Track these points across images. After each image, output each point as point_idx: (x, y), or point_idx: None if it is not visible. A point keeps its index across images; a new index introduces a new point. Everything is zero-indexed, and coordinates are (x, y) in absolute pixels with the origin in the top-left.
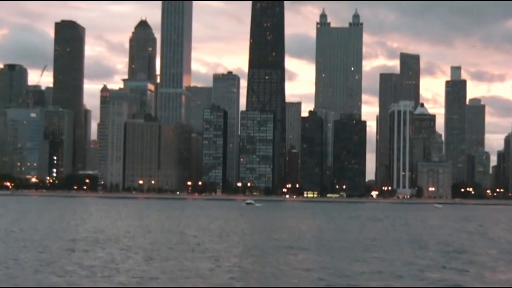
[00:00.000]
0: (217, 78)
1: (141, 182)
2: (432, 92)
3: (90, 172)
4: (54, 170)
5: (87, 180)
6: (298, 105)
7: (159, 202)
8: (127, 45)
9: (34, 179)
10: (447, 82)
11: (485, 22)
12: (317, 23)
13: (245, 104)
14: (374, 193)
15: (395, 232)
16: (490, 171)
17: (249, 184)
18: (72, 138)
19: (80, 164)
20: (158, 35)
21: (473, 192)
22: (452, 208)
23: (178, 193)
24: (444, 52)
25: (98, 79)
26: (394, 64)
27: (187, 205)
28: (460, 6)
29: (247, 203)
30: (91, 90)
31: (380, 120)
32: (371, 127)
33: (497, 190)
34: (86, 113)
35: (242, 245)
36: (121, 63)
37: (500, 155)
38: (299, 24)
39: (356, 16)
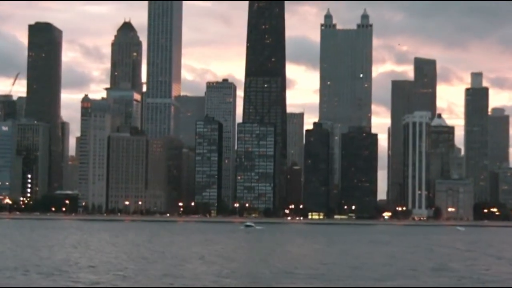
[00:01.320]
0: (211, 86)
1: (126, 203)
2: (447, 101)
3: (69, 192)
4: (28, 190)
5: (67, 201)
6: (300, 116)
7: (146, 225)
8: (108, 50)
9: (6, 200)
10: (467, 90)
11: (501, 23)
12: (321, 25)
13: (241, 115)
14: (387, 215)
15: (410, 258)
16: None
17: (247, 205)
18: (47, 154)
19: (57, 183)
20: (144, 39)
21: (497, 213)
22: (475, 231)
23: (168, 215)
24: (459, 57)
25: (76, 88)
26: (404, 70)
27: (178, 228)
28: (472, 6)
29: (246, 226)
30: (68, 100)
31: (392, 133)
32: (382, 140)
33: None
34: (64, 126)
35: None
36: (102, 70)
37: None
38: (301, 26)
39: (365, 17)
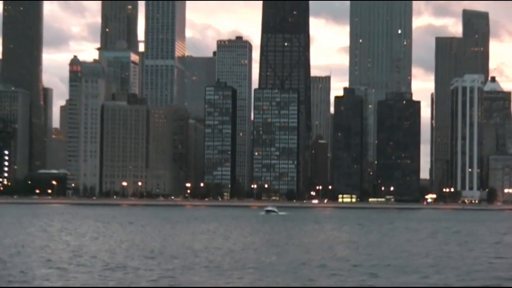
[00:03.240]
0: (222, 45)
1: (124, 184)
2: (496, 62)
3: (54, 171)
4: (6, 169)
5: (54, 182)
6: (326, 80)
7: (148, 211)
8: (98, 3)
9: None
10: None
11: None
12: None
13: (257, 80)
14: (431, 197)
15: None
16: None
17: (266, 186)
18: (28, 126)
19: (39, 162)
20: None
21: None
22: None
23: (173, 198)
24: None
25: (61, 49)
26: (450, 25)
27: (185, 214)
28: None
29: (267, 211)
30: (52, 63)
31: (436, 100)
32: (425, 109)
33: None
34: (46, 94)
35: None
36: (91, 27)
37: None
38: None
39: None
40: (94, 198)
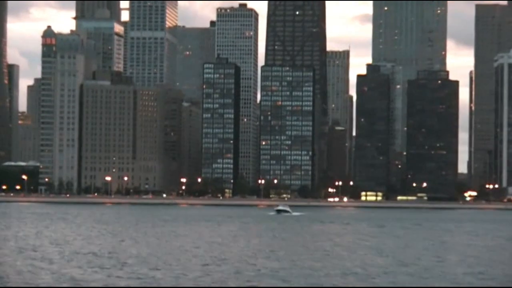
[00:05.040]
0: (222, 14)
1: (107, 179)
2: None
3: (22, 164)
4: None
5: (23, 177)
6: (345, 56)
7: (135, 210)
8: None
9: None
10: None
11: None
12: None
13: (264, 55)
14: (470, 195)
15: None
16: None
17: (275, 182)
18: None
19: (3, 151)
20: None
21: None
22: None
23: (164, 195)
24: None
25: (30, 17)
26: None
27: (180, 214)
28: None
29: (278, 211)
30: (19, 34)
31: (476, 79)
32: (462, 91)
33: None
34: (12, 71)
35: None
36: None
37: None
38: None
39: None
40: (68, 195)
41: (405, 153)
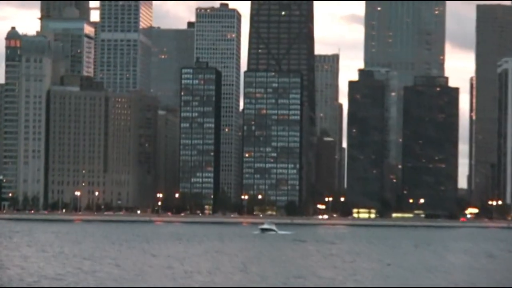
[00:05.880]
0: (202, 15)
1: (77, 194)
2: None
3: None
4: None
5: None
6: (334, 60)
7: (105, 228)
8: None
9: None
10: None
11: None
12: None
13: (247, 58)
14: (470, 212)
15: None
16: None
17: (259, 197)
18: None
19: None
20: None
21: None
22: None
23: (139, 212)
24: None
25: None
26: None
27: (155, 234)
28: None
29: (263, 229)
30: None
31: (477, 86)
32: (462, 98)
33: None
34: None
35: None
36: None
37: None
38: None
39: None
40: (32, 212)
41: (400, 166)
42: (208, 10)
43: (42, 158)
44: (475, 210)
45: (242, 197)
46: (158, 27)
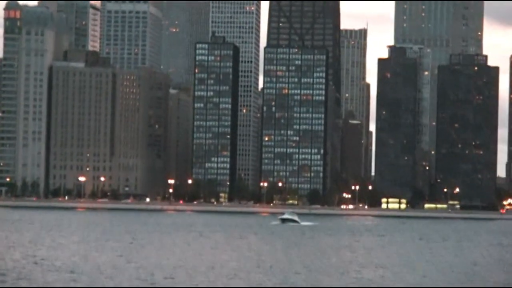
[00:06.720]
0: None
1: (81, 179)
2: None
3: None
4: None
5: None
6: (362, 35)
7: (111, 218)
8: None
9: None
10: None
11: None
12: None
13: (266, 33)
14: (510, 203)
15: None
16: None
17: (280, 185)
18: None
19: None
20: None
21: None
22: None
23: (148, 200)
24: None
25: None
26: None
27: (166, 225)
28: None
29: (283, 220)
30: None
31: None
32: (502, 78)
33: None
34: None
35: None
36: None
37: None
38: None
39: None
40: (35, 199)
41: (434, 153)
42: None
43: (43, 140)
44: None
45: (261, 184)
46: None
